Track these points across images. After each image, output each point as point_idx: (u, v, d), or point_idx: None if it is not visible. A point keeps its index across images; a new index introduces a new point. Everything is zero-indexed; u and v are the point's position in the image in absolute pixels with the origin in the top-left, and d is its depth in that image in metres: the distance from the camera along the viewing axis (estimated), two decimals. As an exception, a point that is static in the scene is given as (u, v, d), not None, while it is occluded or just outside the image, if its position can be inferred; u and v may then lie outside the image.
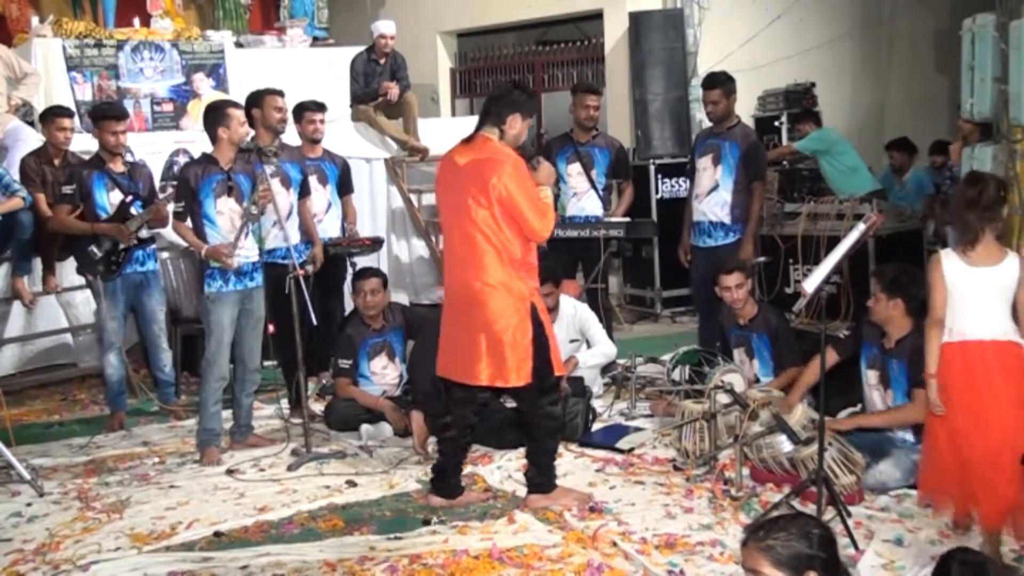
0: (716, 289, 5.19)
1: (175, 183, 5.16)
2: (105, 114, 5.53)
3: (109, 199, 5.50)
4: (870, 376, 4.33)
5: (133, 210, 5.46)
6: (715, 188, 5.76)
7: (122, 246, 5.47)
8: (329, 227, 6.03)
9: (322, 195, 6.00)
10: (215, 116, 4.92)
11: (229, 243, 4.80)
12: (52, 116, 6.06)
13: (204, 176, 4.83)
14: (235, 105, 5.03)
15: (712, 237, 5.80)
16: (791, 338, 5.07)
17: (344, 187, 6.20)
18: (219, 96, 7.78)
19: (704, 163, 5.83)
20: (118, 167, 5.55)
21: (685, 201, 6.29)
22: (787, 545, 2.13)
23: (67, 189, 5.48)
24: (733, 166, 5.72)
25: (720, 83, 5.77)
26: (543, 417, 4.06)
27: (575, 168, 6.10)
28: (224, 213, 4.85)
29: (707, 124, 6.93)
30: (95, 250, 5.46)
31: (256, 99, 5.35)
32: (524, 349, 3.91)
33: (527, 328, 3.92)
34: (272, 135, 5.34)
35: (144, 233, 5.54)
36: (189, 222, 4.88)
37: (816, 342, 4.13)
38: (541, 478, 4.12)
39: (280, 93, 5.42)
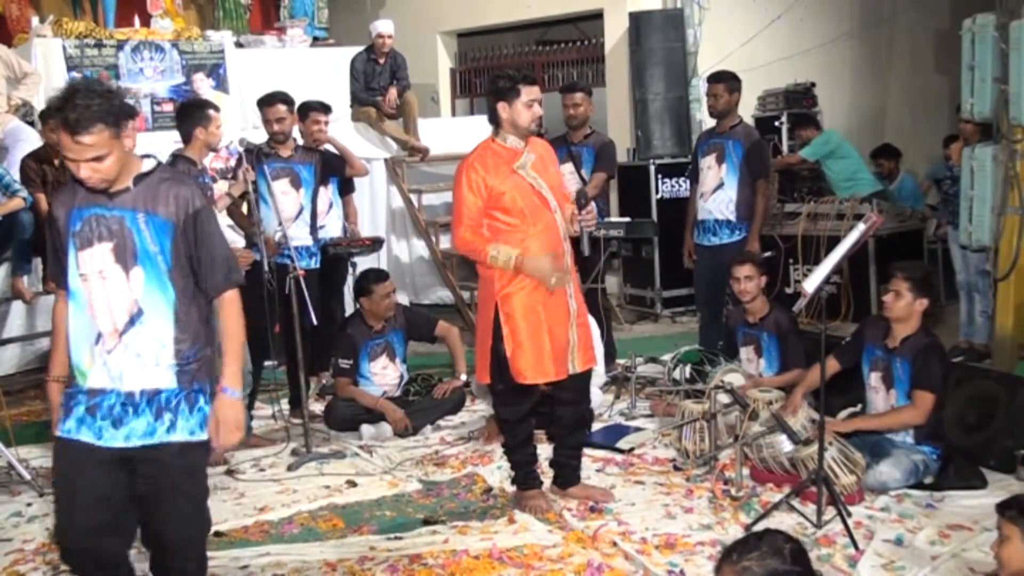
0: (730, 280, 5.19)
1: None
2: None
3: None
4: (872, 378, 4.31)
5: None
6: (720, 186, 5.78)
7: None
8: (330, 227, 6.03)
9: (323, 195, 5.98)
10: (195, 115, 4.77)
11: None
12: (47, 117, 6.06)
13: (191, 177, 4.67)
14: (216, 108, 4.86)
15: (717, 235, 5.82)
16: (797, 341, 5.06)
17: (345, 187, 6.21)
18: (219, 96, 7.80)
19: (708, 162, 5.85)
20: None
21: (686, 201, 6.29)
22: (762, 564, 2.13)
23: None
24: (737, 164, 5.75)
25: (725, 79, 5.83)
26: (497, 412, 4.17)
27: (567, 168, 6.08)
28: None
29: (708, 124, 6.95)
30: None
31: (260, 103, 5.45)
32: (486, 348, 3.93)
33: (489, 326, 3.91)
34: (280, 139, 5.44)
35: None
36: None
37: (816, 342, 4.13)
38: (514, 472, 4.16)
39: (284, 98, 5.45)
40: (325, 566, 3.60)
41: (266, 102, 5.44)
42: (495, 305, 3.87)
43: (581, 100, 5.95)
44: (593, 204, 4.06)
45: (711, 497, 4.10)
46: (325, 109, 5.97)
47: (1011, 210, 5.11)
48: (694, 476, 4.37)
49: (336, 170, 6.00)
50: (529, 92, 3.89)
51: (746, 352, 5.23)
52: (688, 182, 6.65)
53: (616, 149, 6.32)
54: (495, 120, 3.97)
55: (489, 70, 10.51)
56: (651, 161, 8.26)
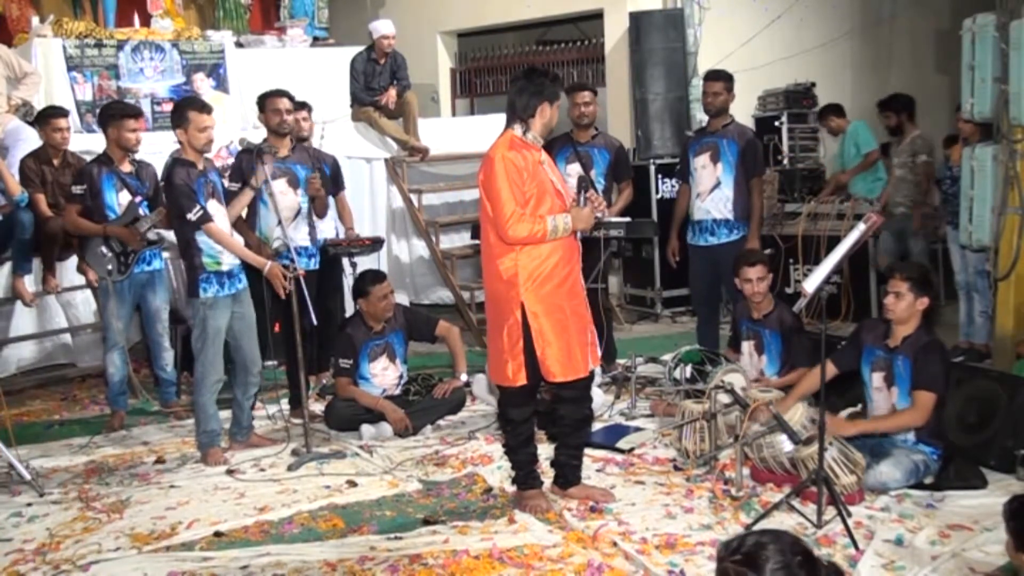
0: (736, 281, 5.19)
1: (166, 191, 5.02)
2: (124, 112, 5.48)
3: (118, 199, 5.50)
4: (874, 379, 4.30)
5: (141, 211, 5.47)
6: (717, 186, 5.80)
7: (131, 247, 5.48)
8: (325, 227, 6.02)
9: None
10: (175, 116, 4.70)
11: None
12: (47, 117, 6.07)
13: (193, 180, 4.67)
14: (200, 108, 4.73)
15: (715, 235, 5.84)
16: (802, 339, 5.06)
17: (335, 185, 6.15)
18: (219, 96, 7.80)
19: (702, 161, 5.87)
20: (126, 167, 5.54)
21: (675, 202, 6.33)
22: None
23: (77, 189, 5.48)
24: (733, 163, 5.78)
25: (724, 78, 5.88)
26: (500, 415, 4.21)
27: (574, 168, 6.09)
28: (215, 216, 4.79)
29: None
30: (105, 250, 5.47)
31: (261, 101, 5.48)
32: (519, 350, 3.89)
33: (518, 328, 3.87)
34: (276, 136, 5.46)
35: (151, 235, 5.55)
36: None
37: (816, 342, 4.13)
38: (515, 472, 4.17)
39: (288, 94, 5.48)
40: (325, 566, 3.60)
41: (272, 94, 5.50)
42: (521, 306, 3.86)
43: (591, 99, 5.99)
44: (594, 191, 4.08)
45: (711, 497, 4.10)
46: (302, 105, 6.06)
47: (1011, 210, 5.11)
48: (694, 476, 4.37)
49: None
50: (562, 97, 4.00)
51: (748, 347, 5.24)
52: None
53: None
54: (524, 116, 3.90)
55: (489, 70, 10.52)
56: (651, 161, 8.27)
